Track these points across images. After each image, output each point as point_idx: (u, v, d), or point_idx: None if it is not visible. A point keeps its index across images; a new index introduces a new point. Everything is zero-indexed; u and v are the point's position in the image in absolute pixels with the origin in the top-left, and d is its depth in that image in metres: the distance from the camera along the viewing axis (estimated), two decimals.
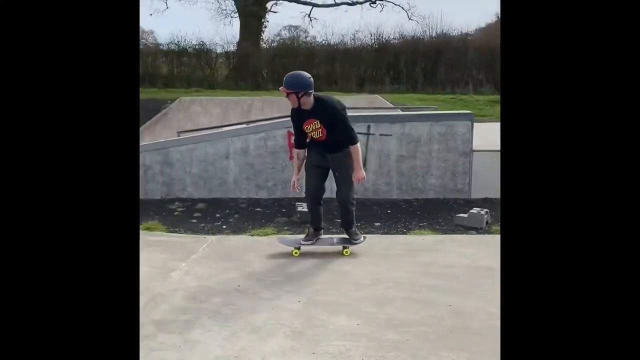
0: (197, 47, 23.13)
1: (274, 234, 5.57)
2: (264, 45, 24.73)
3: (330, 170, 4.49)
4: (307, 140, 4.43)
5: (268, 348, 2.88)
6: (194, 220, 6.38)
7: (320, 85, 21.42)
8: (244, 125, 9.39)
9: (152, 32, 27.78)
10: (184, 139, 8.10)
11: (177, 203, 7.13)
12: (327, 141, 4.29)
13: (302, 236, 4.74)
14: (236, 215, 6.61)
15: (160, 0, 26.34)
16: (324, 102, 4.22)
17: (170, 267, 4.29)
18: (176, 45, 23.06)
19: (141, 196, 7.31)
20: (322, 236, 4.72)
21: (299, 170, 4.52)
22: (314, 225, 4.62)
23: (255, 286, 3.85)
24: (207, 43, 23.37)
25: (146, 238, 5.24)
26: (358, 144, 4.31)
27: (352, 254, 4.57)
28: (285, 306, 3.46)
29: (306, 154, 4.52)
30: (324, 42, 24.45)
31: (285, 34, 26.04)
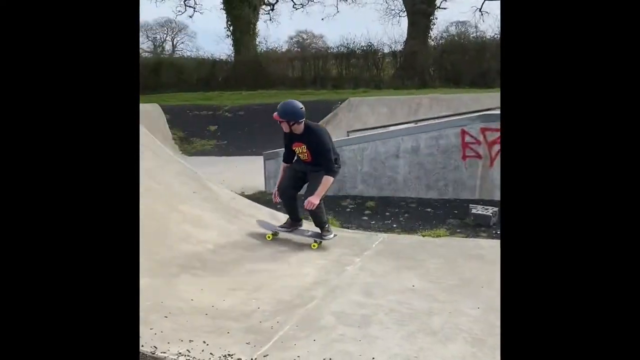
0: (365, 48, 23.65)
1: (447, 235, 5.42)
2: (432, 42, 24.30)
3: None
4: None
5: (447, 353, 2.79)
6: (365, 217, 6.52)
7: (491, 80, 20.38)
8: (413, 125, 9.33)
9: (322, 37, 29.25)
10: (355, 138, 8.33)
11: (348, 200, 7.36)
12: (311, 162, 4.73)
13: (282, 222, 5.14)
14: (406, 215, 6.59)
15: (331, 5, 27.35)
16: (313, 131, 4.65)
17: (344, 262, 4.44)
18: (345, 47, 23.86)
19: None
20: (301, 227, 5.08)
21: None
22: (291, 217, 5.04)
23: (430, 287, 3.77)
24: (374, 44, 23.79)
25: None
26: (332, 178, 4.65)
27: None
28: (463, 311, 3.33)
29: None
30: (495, 36, 23.13)
31: (453, 30, 25.28)
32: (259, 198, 7.22)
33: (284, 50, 26.91)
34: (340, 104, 16.32)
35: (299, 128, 4.63)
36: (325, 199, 7.23)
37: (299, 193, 4.96)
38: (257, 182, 8.30)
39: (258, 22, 25.62)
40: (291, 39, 30.30)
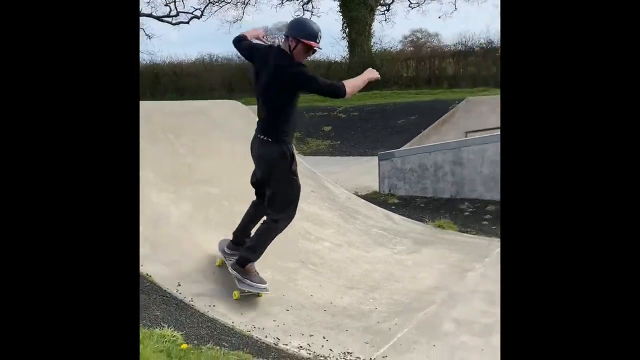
0: (484, 45, 22.66)
1: None
2: None
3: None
4: None
5: None
6: (485, 222, 6.21)
7: None
8: None
9: (437, 35, 28.48)
10: (475, 139, 7.99)
11: (466, 203, 7.08)
12: None
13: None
14: None
15: (449, 3, 26.50)
16: None
17: (465, 267, 4.27)
18: (463, 45, 23.05)
19: (430, 194, 7.54)
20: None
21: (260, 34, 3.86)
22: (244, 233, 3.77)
23: None
24: (494, 41, 22.65)
25: (441, 236, 5.36)
26: None
27: None
28: None
29: None
30: None
31: None
32: (374, 198, 7.20)
33: (398, 50, 26.63)
34: (458, 103, 15.77)
35: None
36: (441, 200, 7.00)
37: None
38: (371, 183, 8.30)
39: (373, 23, 25.65)
40: (405, 38, 29.76)
